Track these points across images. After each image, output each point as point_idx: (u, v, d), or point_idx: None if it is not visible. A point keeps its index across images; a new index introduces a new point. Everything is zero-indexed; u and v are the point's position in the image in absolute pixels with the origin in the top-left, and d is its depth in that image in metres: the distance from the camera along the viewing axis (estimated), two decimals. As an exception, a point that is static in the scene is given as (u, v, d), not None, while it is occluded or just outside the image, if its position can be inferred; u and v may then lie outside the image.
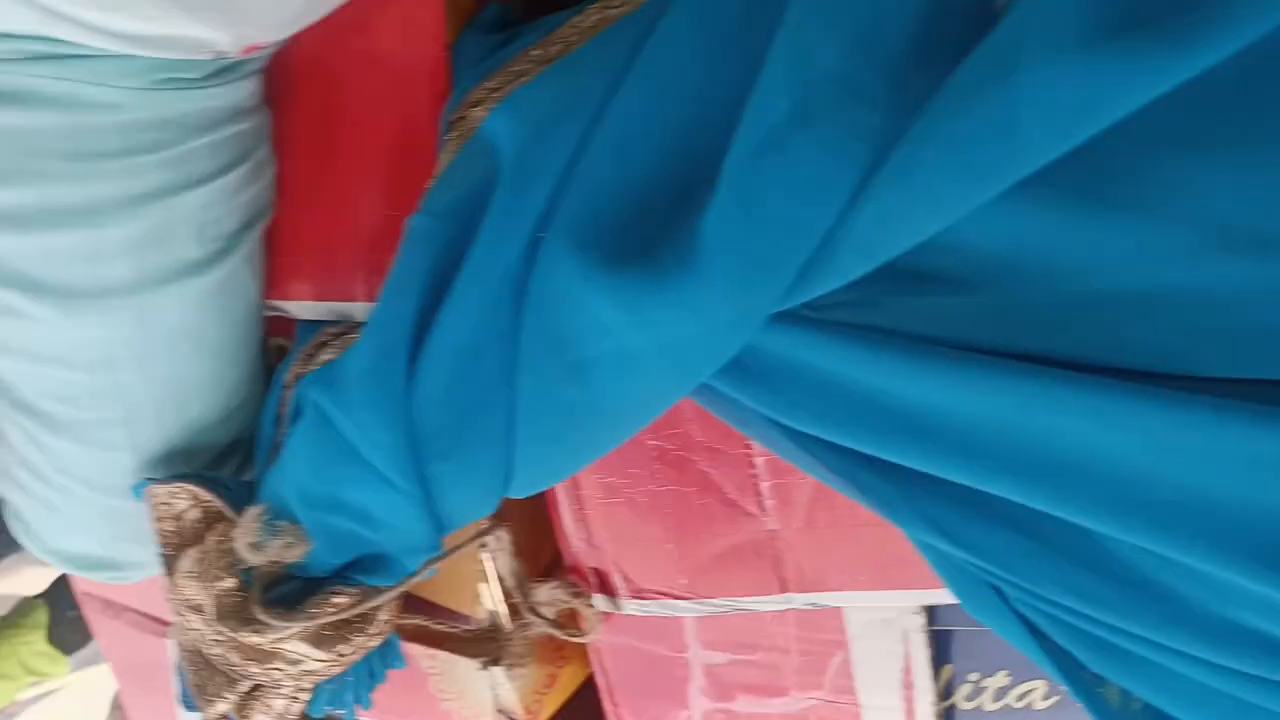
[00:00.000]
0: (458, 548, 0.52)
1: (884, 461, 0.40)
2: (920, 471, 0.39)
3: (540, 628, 0.60)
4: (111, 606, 0.78)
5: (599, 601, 0.58)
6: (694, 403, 0.49)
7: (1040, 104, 0.28)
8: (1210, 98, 0.29)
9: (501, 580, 0.61)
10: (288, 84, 0.52)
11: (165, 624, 0.75)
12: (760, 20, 0.35)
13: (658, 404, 0.41)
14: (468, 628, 0.63)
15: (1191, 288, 0.31)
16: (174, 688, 0.73)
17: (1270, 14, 0.25)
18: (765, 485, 0.51)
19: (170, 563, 0.52)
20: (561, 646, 0.68)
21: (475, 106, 0.45)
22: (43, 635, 1.61)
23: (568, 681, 0.69)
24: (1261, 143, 0.29)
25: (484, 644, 0.64)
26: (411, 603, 0.63)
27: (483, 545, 0.59)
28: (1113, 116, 0.27)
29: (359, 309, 0.53)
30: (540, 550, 0.63)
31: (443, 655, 0.64)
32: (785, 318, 0.37)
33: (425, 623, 0.63)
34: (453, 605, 0.62)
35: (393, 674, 0.58)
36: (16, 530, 0.56)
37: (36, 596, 1.59)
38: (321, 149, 0.52)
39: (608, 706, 0.66)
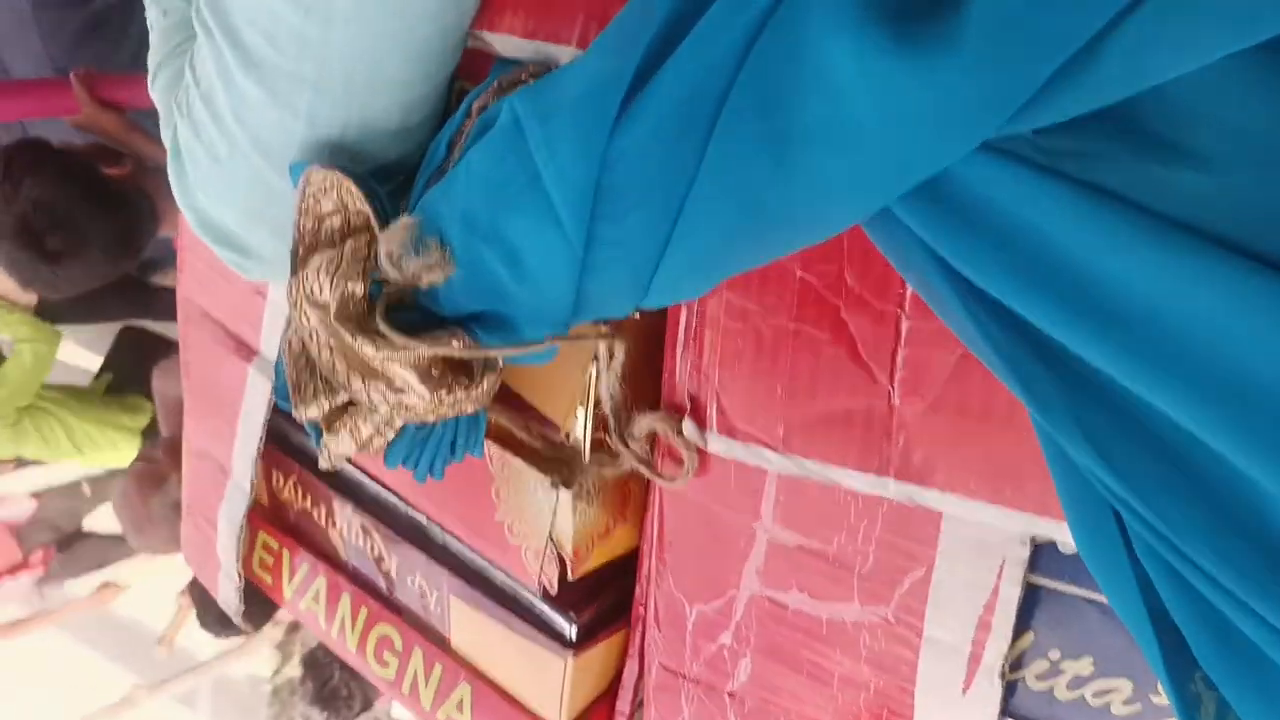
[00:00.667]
0: (581, 336, 0.55)
1: (1053, 344, 0.40)
2: (1089, 367, 0.39)
3: (627, 461, 0.63)
4: (208, 318, 0.84)
5: (686, 428, 0.59)
6: (861, 240, 0.50)
7: None
8: None
9: (599, 404, 0.63)
10: None
11: (253, 352, 0.80)
12: None
13: (849, 204, 0.42)
14: (551, 440, 0.66)
15: None
16: (250, 402, 0.78)
17: None
18: (903, 354, 0.52)
19: (299, 259, 0.56)
20: (626, 502, 0.71)
21: None
22: (139, 429, 1.80)
23: (617, 542, 0.73)
24: None
25: (559, 465, 0.67)
26: (506, 396, 0.66)
27: (595, 358, 0.61)
28: None
29: (566, 54, 0.56)
30: (643, 389, 0.65)
31: (516, 463, 0.68)
32: (1007, 153, 0.38)
33: (511, 424, 0.66)
34: (548, 410, 0.66)
35: (458, 473, 0.63)
36: (172, 173, 0.61)
37: (149, 397, 1.76)
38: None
39: (650, 564, 0.69)
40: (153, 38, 0.67)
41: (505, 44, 0.59)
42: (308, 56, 0.54)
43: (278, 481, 0.90)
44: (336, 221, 0.56)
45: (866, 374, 0.54)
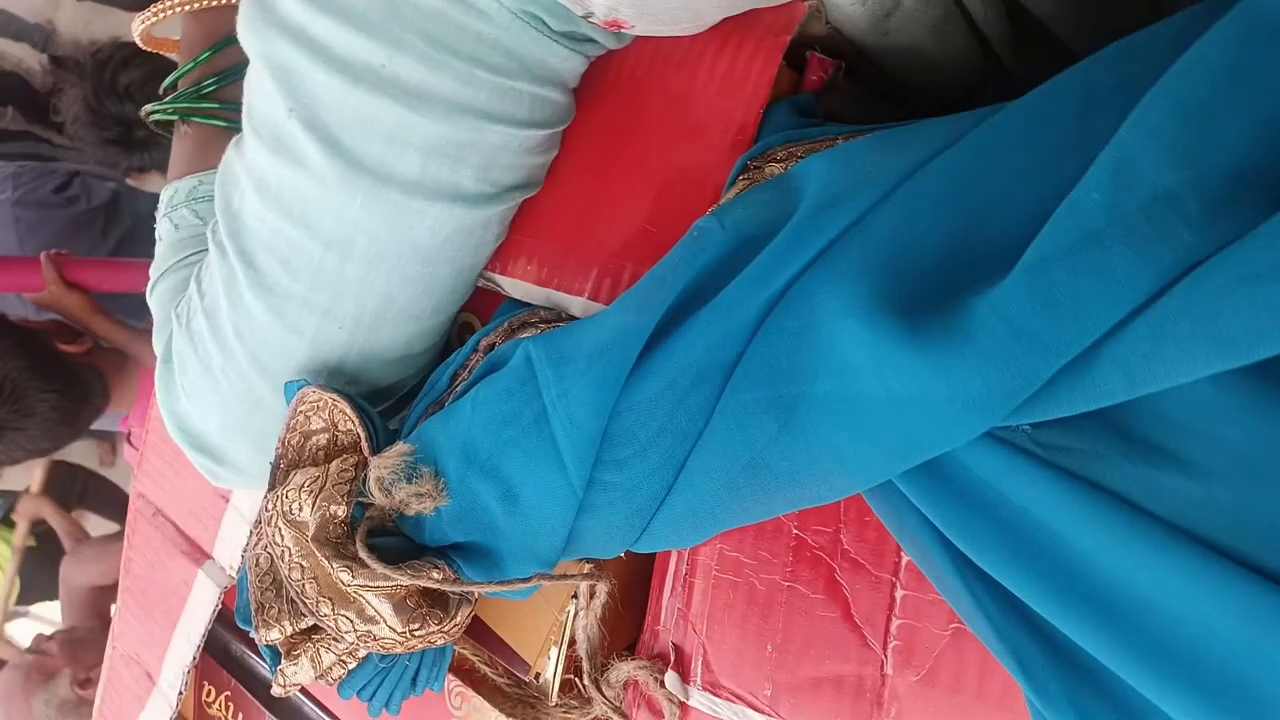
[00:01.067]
0: (566, 575, 0.55)
1: (1054, 633, 0.41)
2: (1086, 655, 0.40)
3: (597, 708, 0.61)
4: (160, 516, 0.82)
5: (668, 680, 0.59)
6: (858, 505, 0.52)
7: None
8: None
9: (573, 644, 0.62)
10: (598, 88, 0.62)
11: (205, 555, 0.78)
12: (1093, 131, 0.39)
13: (851, 474, 0.45)
14: (517, 678, 0.65)
15: None
16: (189, 618, 0.76)
17: None
18: (897, 623, 0.53)
19: (279, 474, 0.56)
20: (593, 752, 0.68)
21: (776, 162, 0.51)
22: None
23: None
24: None
25: (523, 706, 0.65)
26: (474, 628, 0.65)
27: (574, 596, 0.61)
28: None
29: (577, 305, 0.58)
30: (620, 631, 0.64)
31: (476, 699, 0.66)
32: (1008, 443, 0.40)
33: (475, 657, 0.65)
34: (517, 646, 0.64)
35: (413, 707, 0.62)
36: (159, 378, 0.61)
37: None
38: (603, 152, 0.61)
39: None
40: (160, 248, 0.70)
41: (517, 288, 0.63)
42: (322, 286, 0.56)
43: (208, 694, 0.86)
44: (323, 440, 0.57)
45: (860, 639, 0.55)
